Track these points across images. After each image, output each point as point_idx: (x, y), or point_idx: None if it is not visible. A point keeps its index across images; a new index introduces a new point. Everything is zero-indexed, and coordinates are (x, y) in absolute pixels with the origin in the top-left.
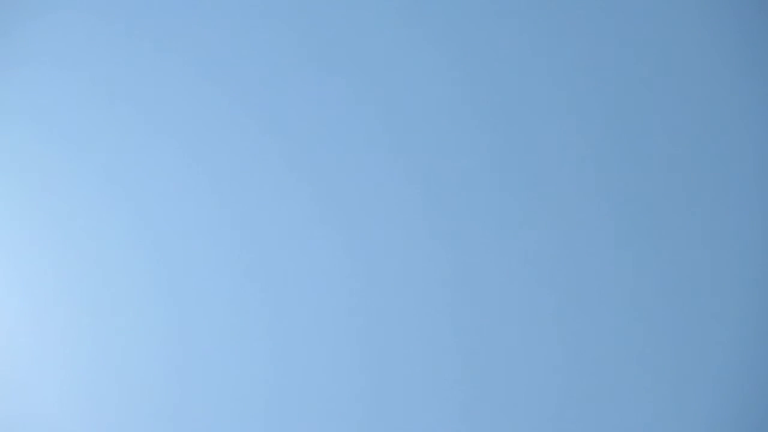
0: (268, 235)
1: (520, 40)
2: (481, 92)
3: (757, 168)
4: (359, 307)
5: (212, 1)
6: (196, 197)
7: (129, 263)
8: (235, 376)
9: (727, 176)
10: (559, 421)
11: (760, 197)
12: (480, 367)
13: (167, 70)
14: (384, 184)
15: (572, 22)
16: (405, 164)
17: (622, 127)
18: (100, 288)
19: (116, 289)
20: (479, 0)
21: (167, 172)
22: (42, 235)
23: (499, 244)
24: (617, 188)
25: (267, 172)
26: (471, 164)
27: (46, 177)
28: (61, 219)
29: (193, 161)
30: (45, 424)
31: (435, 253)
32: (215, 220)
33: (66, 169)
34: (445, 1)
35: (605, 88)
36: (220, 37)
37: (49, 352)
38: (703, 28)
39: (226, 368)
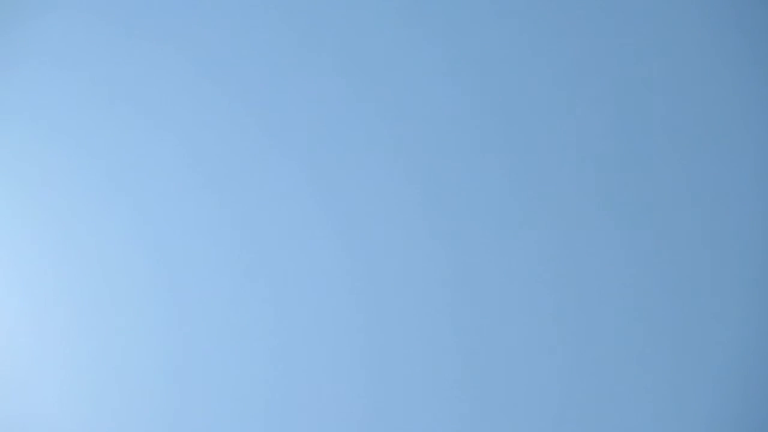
0: (269, 235)
1: (520, 41)
2: (481, 92)
3: (757, 168)
4: (359, 306)
5: (212, 1)
6: (196, 197)
7: (129, 263)
8: (235, 376)
9: (727, 176)
10: (560, 421)
11: (760, 197)
12: (480, 367)
13: (167, 70)
14: (384, 184)
15: (572, 22)
16: (405, 164)
17: (622, 127)
18: (100, 288)
19: (116, 288)
20: (479, 0)
21: (167, 172)
22: (42, 235)
23: (499, 244)
24: (617, 188)
25: (267, 171)
26: (471, 164)
27: (46, 176)
28: (61, 218)
29: (193, 161)
30: (45, 423)
31: (435, 253)
32: (215, 220)
33: (66, 168)
34: (445, 1)
35: (605, 88)
36: (220, 37)
37: (49, 351)
38: (703, 28)
39: (226, 368)
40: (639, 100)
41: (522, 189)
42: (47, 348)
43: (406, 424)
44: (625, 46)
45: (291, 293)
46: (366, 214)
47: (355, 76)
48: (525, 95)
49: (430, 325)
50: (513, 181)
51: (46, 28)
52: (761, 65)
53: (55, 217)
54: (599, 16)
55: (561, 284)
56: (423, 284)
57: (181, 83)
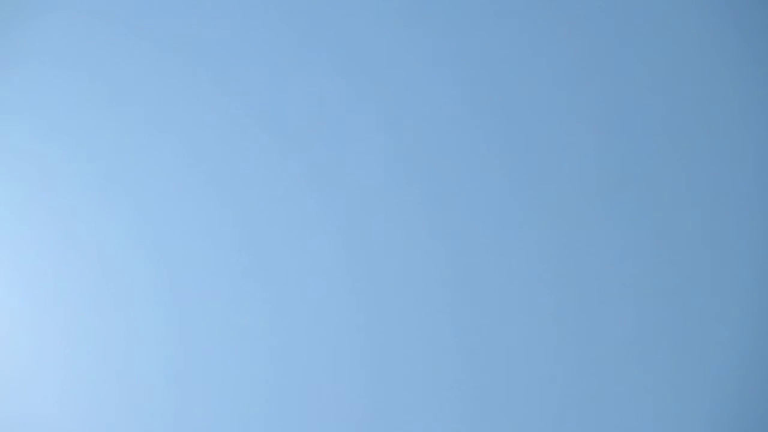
0: (268, 235)
1: (520, 41)
2: (481, 92)
3: (757, 168)
4: (359, 306)
5: (212, 1)
6: (196, 197)
7: (129, 263)
8: (235, 376)
9: (727, 176)
10: (560, 420)
11: (760, 197)
12: (480, 367)
13: (167, 70)
14: (384, 184)
15: (572, 23)
16: (405, 164)
17: (622, 127)
18: (100, 288)
19: (116, 288)
20: (480, 0)
21: (167, 172)
22: (42, 235)
23: (499, 244)
24: (617, 188)
25: (267, 171)
26: (471, 164)
27: (46, 176)
28: (61, 218)
29: (193, 161)
30: (45, 423)
31: (435, 253)
32: (215, 220)
33: (66, 167)
34: (445, 1)
35: (605, 88)
36: (220, 37)
37: (49, 351)
38: (703, 28)
39: (226, 368)
40: (639, 100)
41: (522, 189)
42: (47, 348)
43: (406, 424)
44: (625, 46)
45: (291, 293)
46: (366, 213)
47: (355, 76)
48: (525, 95)
49: (430, 325)
50: (513, 181)
51: (46, 28)
52: (761, 65)
53: (55, 217)
54: (599, 16)
55: (561, 284)
56: (423, 284)
57: (181, 83)
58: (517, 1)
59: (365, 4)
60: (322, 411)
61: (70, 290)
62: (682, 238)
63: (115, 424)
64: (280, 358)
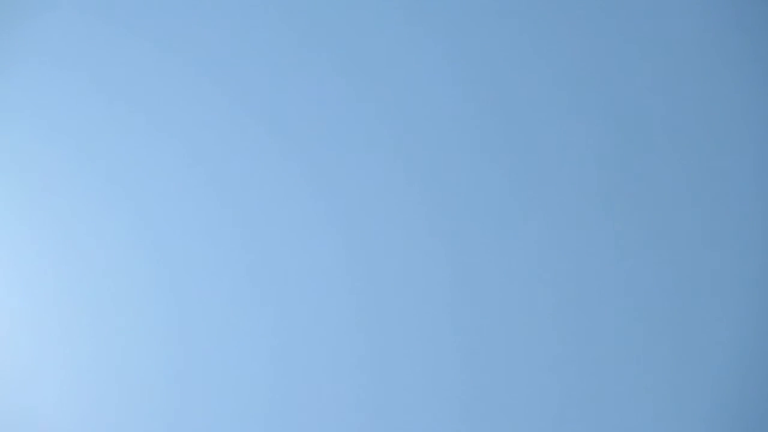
0: (269, 235)
1: (520, 41)
2: (482, 92)
3: (757, 168)
4: (360, 306)
5: (212, 1)
6: (196, 197)
7: (129, 262)
8: (235, 376)
9: (727, 176)
10: (559, 421)
11: (760, 197)
12: (480, 367)
13: (167, 70)
14: (384, 184)
15: (573, 23)
16: (406, 164)
17: (622, 127)
18: (100, 288)
19: (116, 288)
20: (480, 0)
21: (167, 172)
22: (42, 235)
23: (499, 244)
24: (617, 188)
25: (267, 171)
26: (471, 164)
27: (45, 175)
28: (61, 218)
29: (193, 161)
30: (45, 423)
31: (435, 253)
32: (215, 220)
33: (66, 167)
34: (446, 1)
35: (606, 88)
36: (220, 37)
37: (49, 351)
38: (704, 27)
39: (226, 368)
40: (639, 100)
41: (522, 189)
42: (47, 347)
43: (406, 424)
44: (625, 45)
45: (291, 293)
46: (366, 213)
47: (355, 76)
48: (525, 95)
49: (430, 325)
50: (513, 181)
51: (46, 27)
52: (761, 65)
53: (55, 217)
54: (600, 17)
55: (561, 284)
56: (423, 284)
57: (182, 84)
58: (518, 1)
59: (365, 4)
60: (322, 411)
61: (70, 290)
62: (681, 237)
63: (115, 424)
64: (280, 358)
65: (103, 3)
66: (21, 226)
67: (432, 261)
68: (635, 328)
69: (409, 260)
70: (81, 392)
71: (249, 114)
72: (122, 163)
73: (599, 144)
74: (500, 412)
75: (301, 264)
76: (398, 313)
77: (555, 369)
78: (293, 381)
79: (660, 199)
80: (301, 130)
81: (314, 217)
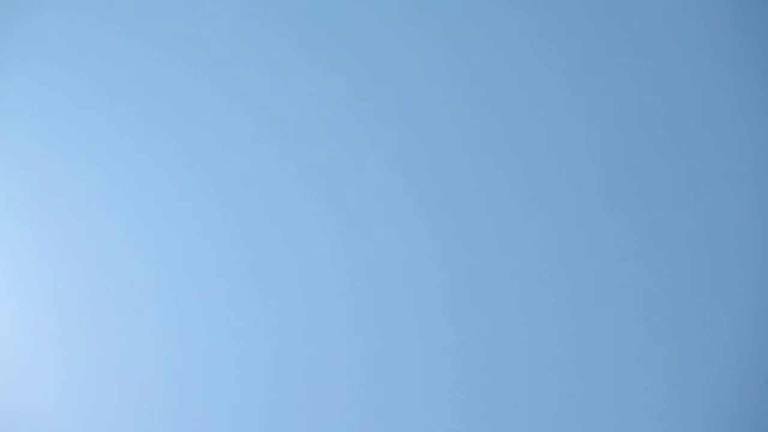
0: (269, 235)
1: (520, 41)
2: (481, 92)
3: (757, 168)
4: (360, 306)
5: (212, 1)
6: (196, 197)
7: (129, 262)
8: (236, 376)
9: (727, 176)
10: (560, 420)
11: (760, 197)
12: (480, 367)
13: (167, 70)
14: (384, 184)
15: (572, 23)
16: (406, 164)
17: (622, 127)
18: (100, 288)
19: (116, 288)
20: (480, 0)
21: (167, 172)
22: (42, 235)
23: (499, 244)
24: (617, 188)
25: (267, 171)
26: (471, 164)
27: (45, 175)
28: (61, 218)
29: (193, 161)
30: (45, 423)
31: (435, 253)
32: (215, 220)
33: (65, 167)
34: (446, 0)
35: (605, 88)
36: (220, 37)
37: (49, 351)
38: (704, 27)
39: (226, 368)
40: (639, 100)
41: (522, 189)
42: (47, 348)
43: (406, 424)
44: (625, 45)
45: (291, 293)
46: (366, 214)
47: (356, 75)
48: (525, 95)
49: (430, 325)
50: (513, 181)
51: (46, 27)
52: (761, 65)
53: (55, 217)
54: (599, 16)
55: (561, 284)
56: (423, 284)
57: (182, 84)
58: (517, 1)
59: (365, 4)
60: (322, 411)
61: (70, 290)
62: (682, 237)
63: (115, 424)
64: (280, 358)
65: (103, 2)
66: (21, 226)
67: (432, 261)
68: (635, 328)
69: (409, 260)
70: (81, 392)
71: (249, 114)
72: (122, 163)
73: (599, 144)
74: (500, 412)
75: (301, 264)
76: (398, 313)
77: (555, 369)
78: (293, 381)
79: (660, 199)
80: (301, 130)
81: (314, 217)
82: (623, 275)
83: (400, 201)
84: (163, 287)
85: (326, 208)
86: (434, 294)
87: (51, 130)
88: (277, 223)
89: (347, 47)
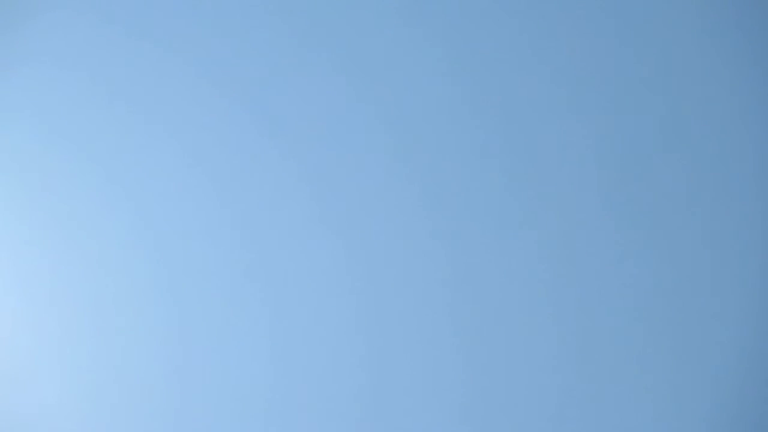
0: (268, 235)
1: (520, 41)
2: (481, 92)
3: (757, 168)
4: (359, 306)
5: (212, 1)
6: (196, 197)
7: (129, 263)
8: (235, 376)
9: (727, 176)
10: (560, 420)
11: (760, 197)
12: (480, 367)
13: (167, 70)
14: (384, 184)
15: (572, 23)
16: (405, 164)
17: (622, 127)
18: (100, 287)
19: (116, 288)
20: (480, 0)
21: (167, 172)
22: (42, 235)
23: (499, 244)
24: (617, 188)
25: (267, 171)
26: (471, 164)
27: (45, 175)
28: (61, 218)
29: (193, 161)
30: (45, 422)
31: (435, 253)
32: (215, 220)
33: (65, 167)
34: (445, 1)
35: (605, 88)
36: (220, 37)
37: (49, 351)
38: (704, 27)
39: (226, 368)
40: (639, 100)
41: (522, 189)
42: (47, 347)
43: (406, 424)
44: (625, 46)
45: (291, 293)
46: (366, 214)
47: (355, 75)
48: (525, 95)
49: (430, 325)
50: (513, 181)
51: (47, 27)
52: (761, 65)
53: (55, 217)
54: (599, 16)
55: (561, 284)
56: (423, 284)
57: (182, 84)
58: (518, 0)
59: (365, 4)
60: (322, 411)
61: (70, 290)
62: (682, 238)
63: (115, 423)
64: (279, 358)
65: (103, 3)
66: (21, 226)
67: (432, 261)
68: (635, 328)
69: (409, 260)
70: (81, 392)
71: (249, 114)
72: (122, 163)
73: (599, 144)
74: (500, 412)
75: (300, 264)
76: (398, 313)
77: (555, 369)
78: (293, 381)
79: (660, 199)
80: (300, 130)
81: (314, 217)
82: (623, 276)
83: (399, 201)
84: (163, 287)
85: (326, 207)
86: (434, 294)
87: (51, 130)
88: (277, 222)
89: (347, 47)
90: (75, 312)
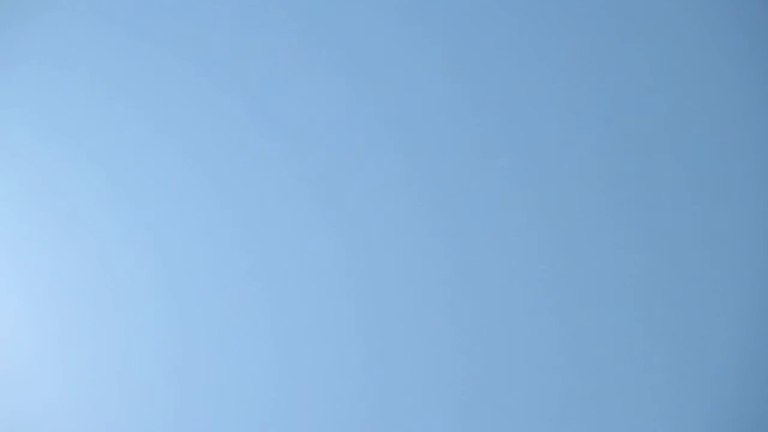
0: (269, 235)
1: (520, 40)
2: (481, 91)
3: (757, 168)
4: (360, 306)
5: (212, 1)
6: (196, 197)
7: (129, 262)
8: (236, 376)
9: (727, 176)
10: (560, 420)
11: (760, 197)
12: (480, 367)
13: (167, 69)
14: (384, 184)
15: (573, 22)
16: (405, 164)
17: (623, 127)
18: (100, 287)
19: (116, 288)
20: (479, 0)
21: (168, 172)
22: (42, 234)
23: (500, 243)
24: (618, 188)
25: (267, 171)
26: (472, 163)
27: (46, 175)
28: (61, 218)
29: (193, 161)
30: (45, 422)
31: (435, 253)
32: (216, 220)
33: (66, 167)
34: (446, 0)
35: (606, 88)
36: (220, 37)
37: (49, 350)
38: (704, 27)
39: (226, 368)
40: (640, 100)
41: (522, 188)
42: (47, 347)
43: (407, 424)
44: (625, 45)
45: (291, 293)
46: (366, 214)
47: (355, 75)
48: (525, 95)
49: (430, 325)
50: (513, 181)
51: (46, 27)
52: (761, 65)
53: (55, 217)
54: (600, 16)
55: (561, 283)
56: (423, 284)
57: (181, 83)
58: (517, 1)
59: (365, 4)
60: (322, 410)
61: (71, 290)
62: (682, 237)
63: (115, 423)
64: (280, 358)
65: (103, 3)
66: (21, 225)
67: (432, 260)
68: (636, 328)
69: (409, 259)
70: (81, 392)
71: (249, 114)
72: (122, 162)
73: (600, 143)
74: (500, 412)
75: (301, 263)
76: (398, 313)
77: (555, 368)
78: (293, 381)
79: (660, 198)
80: (300, 130)
81: (314, 217)
82: (623, 274)
83: (400, 200)
84: (163, 287)
85: (326, 207)
86: (434, 294)
87: (51, 129)
88: (277, 222)
89: (347, 47)
90: (76, 311)
